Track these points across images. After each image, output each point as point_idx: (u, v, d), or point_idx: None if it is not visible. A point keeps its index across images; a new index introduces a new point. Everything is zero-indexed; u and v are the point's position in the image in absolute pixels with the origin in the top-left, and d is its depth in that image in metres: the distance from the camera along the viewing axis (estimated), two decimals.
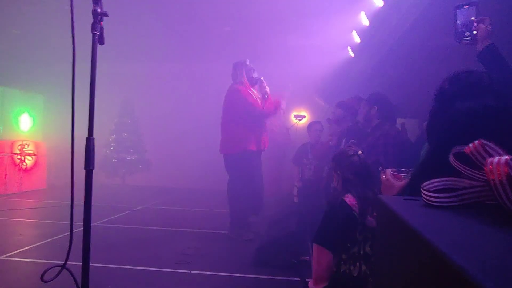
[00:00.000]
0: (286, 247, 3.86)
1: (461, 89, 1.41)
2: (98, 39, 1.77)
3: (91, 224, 1.91)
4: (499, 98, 1.34)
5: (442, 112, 1.44)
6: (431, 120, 1.52)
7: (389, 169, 1.87)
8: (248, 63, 5.10)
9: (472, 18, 2.14)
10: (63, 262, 1.90)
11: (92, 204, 1.89)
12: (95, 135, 1.88)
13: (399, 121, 4.55)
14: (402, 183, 1.74)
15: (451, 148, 1.01)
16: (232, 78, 5.14)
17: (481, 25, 2.11)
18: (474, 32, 2.13)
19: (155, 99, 10.64)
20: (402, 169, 1.85)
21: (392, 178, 1.81)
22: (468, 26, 2.15)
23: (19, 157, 8.85)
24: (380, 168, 1.97)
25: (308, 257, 3.64)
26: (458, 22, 2.18)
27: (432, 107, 1.52)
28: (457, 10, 2.18)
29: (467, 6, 2.15)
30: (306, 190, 5.69)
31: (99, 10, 1.73)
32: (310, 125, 6.46)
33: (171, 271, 3.61)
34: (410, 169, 1.82)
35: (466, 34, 2.16)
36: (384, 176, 1.85)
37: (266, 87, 5.16)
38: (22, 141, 9.03)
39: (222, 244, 4.73)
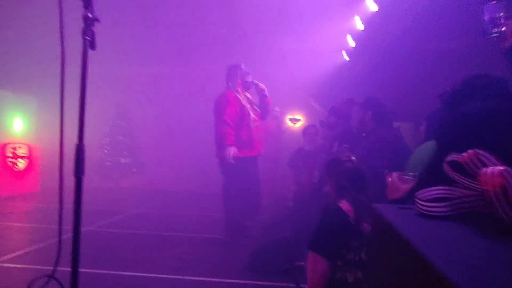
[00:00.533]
0: (281, 252, 3.83)
1: (472, 92, 1.41)
2: (89, 44, 1.73)
3: (84, 229, 1.88)
4: (509, 101, 1.34)
5: (452, 114, 1.43)
6: (440, 122, 1.51)
7: (395, 172, 1.86)
8: (243, 67, 5.04)
9: (501, 14, 2.04)
10: (52, 269, 1.86)
11: (85, 208, 1.86)
12: (88, 138, 1.86)
13: (394, 125, 4.52)
14: (408, 186, 1.72)
15: (458, 151, 1.00)
16: (226, 81, 5.07)
17: (511, 22, 2.01)
18: (503, 29, 2.02)
19: (149, 101, 10.59)
20: (409, 173, 1.83)
21: (398, 181, 1.79)
22: (495, 22, 2.04)
23: (11, 159, 8.77)
24: (386, 171, 1.96)
25: (303, 262, 3.62)
26: (485, 18, 2.07)
27: (442, 109, 1.51)
28: (484, 6, 2.08)
29: (495, 2, 2.05)
30: (301, 194, 5.66)
31: (90, 15, 1.70)
32: (305, 129, 6.44)
33: (165, 276, 3.58)
34: (417, 173, 1.80)
35: (493, 30, 2.05)
36: (390, 179, 1.84)
37: (264, 87, 5.10)
38: (15, 143, 8.94)
39: (216, 249, 4.70)
